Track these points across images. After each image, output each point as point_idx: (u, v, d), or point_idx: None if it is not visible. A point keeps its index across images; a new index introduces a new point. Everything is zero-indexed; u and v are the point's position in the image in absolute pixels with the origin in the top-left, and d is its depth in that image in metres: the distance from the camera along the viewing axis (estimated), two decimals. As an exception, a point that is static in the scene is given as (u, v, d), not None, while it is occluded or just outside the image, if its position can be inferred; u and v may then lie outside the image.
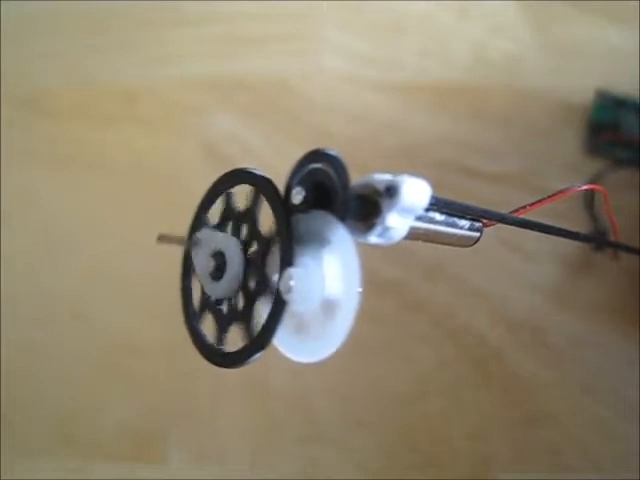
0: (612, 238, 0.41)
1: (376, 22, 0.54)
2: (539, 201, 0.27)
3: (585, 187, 0.30)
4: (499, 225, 0.26)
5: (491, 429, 0.47)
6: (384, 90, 0.52)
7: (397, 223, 0.20)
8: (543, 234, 0.29)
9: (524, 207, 0.27)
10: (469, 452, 0.47)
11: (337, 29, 0.54)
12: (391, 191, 0.20)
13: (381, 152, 0.51)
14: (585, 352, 0.47)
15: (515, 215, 0.26)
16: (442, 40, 0.53)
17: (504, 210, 0.27)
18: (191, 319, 0.25)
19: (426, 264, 0.49)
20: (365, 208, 0.21)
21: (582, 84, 0.50)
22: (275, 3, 0.55)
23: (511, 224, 0.26)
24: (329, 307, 0.21)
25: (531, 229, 0.26)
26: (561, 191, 0.27)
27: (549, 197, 0.27)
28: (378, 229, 0.20)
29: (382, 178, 0.20)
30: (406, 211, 0.20)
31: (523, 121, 0.50)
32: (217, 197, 0.25)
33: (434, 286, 0.49)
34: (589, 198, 0.47)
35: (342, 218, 0.21)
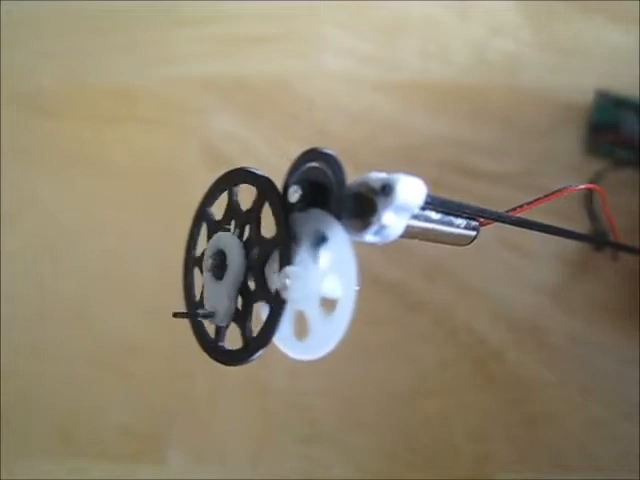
0: (612, 238, 0.41)
1: (376, 22, 0.54)
2: (536, 200, 0.27)
3: (582, 186, 0.30)
4: (499, 225, 0.26)
5: (491, 429, 0.47)
6: (384, 90, 0.53)
7: (393, 221, 0.20)
8: (543, 234, 0.29)
9: (521, 206, 0.27)
10: (469, 452, 0.47)
11: (337, 29, 0.54)
12: (387, 189, 0.20)
13: (381, 152, 0.51)
14: (585, 352, 0.47)
15: (512, 214, 0.26)
16: (442, 40, 0.53)
17: (502, 210, 0.27)
18: (195, 316, 0.25)
19: (426, 264, 0.49)
20: (361, 206, 0.21)
21: (582, 84, 0.50)
22: (275, 3, 0.55)
23: (508, 223, 0.26)
24: (326, 305, 0.21)
25: (528, 228, 0.26)
26: (558, 190, 0.27)
27: (546, 196, 0.27)
28: (374, 227, 0.20)
29: (378, 177, 0.20)
30: (402, 209, 0.20)
31: (523, 121, 0.50)
32: (217, 196, 0.25)
33: (434, 286, 0.49)
34: (588, 198, 0.47)
35: (338, 216, 0.21)
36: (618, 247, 0.41)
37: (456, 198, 0.24)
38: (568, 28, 0.52)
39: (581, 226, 0.47)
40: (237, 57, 0.55)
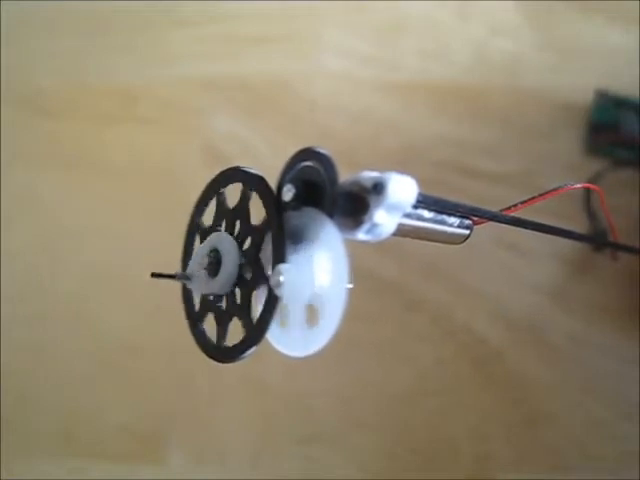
0: (611, 238, 0.41)
1: (376, 22, 0.54)
2: (531, 199, 0.27)
3: (579, 186, 0.30)
4: (497, 225, 0.26)
5: (491, 429, 0.47)
6: (384, 90, 0.53)
7: (385, 220, 0.21)
8: (543, 234, 0.29)
9: (515, 205, 0.26)
10: (469, 452, 0.47)
11: (337, 29, 0.54)
12: (378, 188, 0.20)
13: (381, 152, 0.51)
14: (585, 352, 0.47)
15: (506, 213, 0.26)
16: (442, 40, 0.53)
17: (500, 209, 0.27)
18: (191, 315, 0.25)
19: (424, 264, 0.49)
20: (353, 205, 0.21)
21: (582, 84, 0.50)
22: (275, 3, 0.55)
23: (502, 222, 0.26)
24: (319, 302, 0.21)
25: (523, 227, 0.26)
26: (554, 189, 0.27)
27: (541, 195, 0.27)
28: (366, 226, 0.21)
29: (370, 175, 0.21)
30: (393, 208, 0.20)
31: (523, 121, 0.50)
32: (213, 195, 0.25)
33: (433, 285, 0.49)
34: (586, 197, 0.47)
35: (331, 215, 0.21)
36: (618, 247, 0.41)
37: (455, 198, 0.24)
38: (568, 28, 0.52)
39: (581, 226, 0.47)
40: (237, 57, 0.55)
